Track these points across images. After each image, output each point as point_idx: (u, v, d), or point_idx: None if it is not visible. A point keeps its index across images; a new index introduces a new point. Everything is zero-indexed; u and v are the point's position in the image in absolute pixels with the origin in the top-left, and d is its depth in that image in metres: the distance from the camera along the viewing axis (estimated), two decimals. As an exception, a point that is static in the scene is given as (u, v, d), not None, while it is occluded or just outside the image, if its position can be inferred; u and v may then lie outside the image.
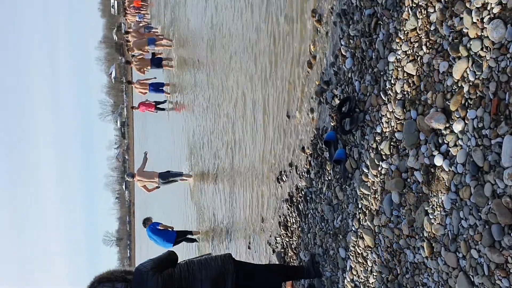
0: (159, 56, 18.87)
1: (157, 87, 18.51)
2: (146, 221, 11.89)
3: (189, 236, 12.39)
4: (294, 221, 5.69)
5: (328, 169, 4.71)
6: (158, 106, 19.35)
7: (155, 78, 19.35)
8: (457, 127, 2.86)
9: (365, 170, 3.93)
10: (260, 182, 7.21)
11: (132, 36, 19.02)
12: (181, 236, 12.07)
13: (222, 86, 10.03)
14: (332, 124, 4.61)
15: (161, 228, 11.75)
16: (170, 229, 11.93)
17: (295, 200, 5.65)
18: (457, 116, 2.87)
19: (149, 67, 17.58)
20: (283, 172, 6.14)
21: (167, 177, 13.30)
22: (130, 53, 19.77)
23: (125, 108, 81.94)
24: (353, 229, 4.16)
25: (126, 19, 30.19)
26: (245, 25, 8.32)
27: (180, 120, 16.64)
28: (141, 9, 30.41)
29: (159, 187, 13.37)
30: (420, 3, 3.27)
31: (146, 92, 18.28)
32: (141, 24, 23.63)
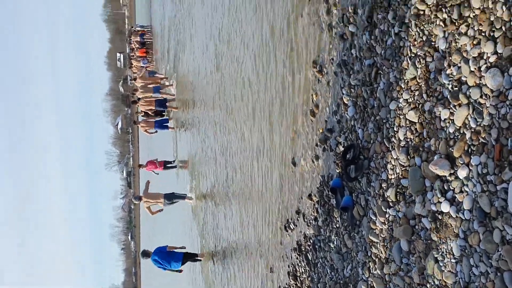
0: (163, 98, 19.73)
1: (161, 124, 19.11)
2: (146, 253, 11.88)
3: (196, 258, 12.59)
4: (303, 270, 5.61)
5: (336, 216, 4.70)
6: (167, 166, 18.77)
7: (163, 114, 19.72)
8: (462, 173, 2.88)
9: (373, 217, 3.92)
10: (267, 231, 7.15)
11: (139, 82, 19.92)
12: (189, 257, 12.09)
13: (226, 135, 10.14)
14: (337, 171, 4.64)
15: (169, 250, 11.79)
16: (178, 249, 12.09)
17: (303, 249, 5.59)
18: (461, 162, 2.90)
19: (153, 108, 18.59)
20: (290, 220, 6.11)
21: (172, 198, 13.99)
22: (136, 95, 20.47)
23: (131, 158, 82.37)
24: (364, 278, 4.10)
25: (132, 68, 31.02)
26: (249, 76, 8.51)
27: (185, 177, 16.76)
28: (146, 57, 31.29)
29: (162, 210, 13.98)
30: (418, 53, 3.36)
31: (152, 132, 18.86)
32: (145, 69, 24.79)
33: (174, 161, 19.27)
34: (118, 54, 78.59)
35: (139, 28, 37.59)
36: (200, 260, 12.69)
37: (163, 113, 19.80)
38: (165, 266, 11.56)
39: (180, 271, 12.04)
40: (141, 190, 15.68)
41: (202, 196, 13.36)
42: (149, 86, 19.41)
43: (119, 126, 79.57)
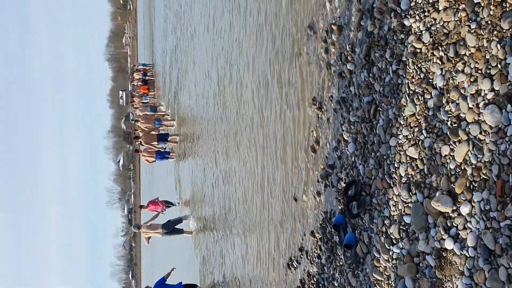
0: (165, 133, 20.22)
1: (163, 155, 19.22)
2: None
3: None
4: (307, 309, 5.50)
5: (339, 254, 4.64)
6: (168, 205, 18.20)
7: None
8: (465, 209, 2.86)
9: (377, 255, 3.87)
10: (271, 268, 7.05)
11: (141, 122, 20.47)
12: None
13: (226, 170, 10.15)
14: (339, 207, 4.61)
15: (167, 281, 12.17)
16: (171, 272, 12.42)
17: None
18: (463, 198, 2.89)
19: (156, 143, 18.88)
20: (293, 258, 6.04)
21: (169, 226, 14.12)
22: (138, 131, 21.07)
23: (132, 195, 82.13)
24: (369, 317, 4.02)
25: (133, 104, 31.42)
26: (249, 112, 8.59)
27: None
28: (148, 94, 31.68)
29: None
30: (416, 90, 3.41)
31: (153, 161, 18.91)
32: (146, 103, 25.47)
33: (178, 203, 18.48)
34: (120, 92, 79.56)
35: (141, 67, 38.21)
36: None
37: (164, 147, 20.00)
38: None
39: None
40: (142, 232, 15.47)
41: (203, 229, 13.24)
42: (150, 118, 20.15)
43: (121, 163, 79.73)
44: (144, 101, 29.51)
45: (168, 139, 19.13)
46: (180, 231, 14.44)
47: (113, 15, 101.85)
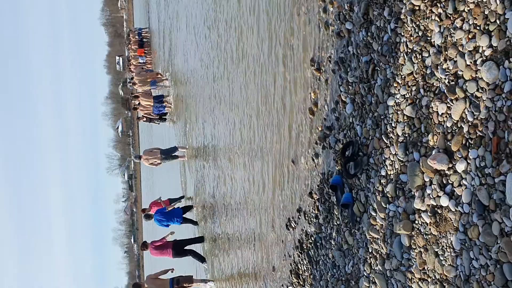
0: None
1: (160, 100, 19.82)
2: (148, 215, 13.75)
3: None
4: (305, 268, 5.63)
5: (336, 213, 4.71)
6: (174, 202, 17.03)
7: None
8: (460, 167, 2.89)
9: (373, 214, 3.93)
10: (269, 229, 7.17)
11: (136, 79, 21.21)
12: (186, 209, 13.53)
13: (226, 133, 10.17)
14: (337, 168, 4.65)
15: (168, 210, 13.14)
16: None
17: (305, 247, 5.61)
18: (459, 156, 2.91)
19: (151, 103, 19.51)
20: (291, 219, 6.13)
21: (167, 153, 15.44)
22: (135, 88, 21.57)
23: (132, 161, 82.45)
24: (365, 274, 4.11)
25: (130, 69, 31.34)
26: (246, 78, 8.53)
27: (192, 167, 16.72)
28: (145, 56, 31.53)
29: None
30: (414, 49, 3.38)
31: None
32: (143, 65, 25.88)
33: (181, 197, 17.35)
34: (117, 57, 78.74)
35: (137, 27, 37.95)
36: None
37: (164, 116, 20.13)
38: (168, 223, 12.61)
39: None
40: (143, 198, 15.65)
41: (203, 200, 13.38)
42: (147, 80, 20.61)
43: (120, 129, 79.69)
44: (140, 61, 29.43)
45: (164, 100, 19.87)
46: (176, 157, 15.75)
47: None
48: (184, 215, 13.05)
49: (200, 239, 12.78)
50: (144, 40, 33.30)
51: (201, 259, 12.54)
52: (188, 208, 13.74)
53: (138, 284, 12.14)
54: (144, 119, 20.79)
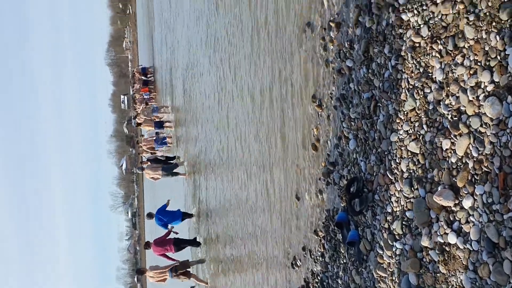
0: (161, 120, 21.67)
1: (161, 142, 20.40)
2: (150, 214, 13.66)
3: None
4: (312, 308, 5.48)
5: (343, 251, 4.62)
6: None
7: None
8: (467, 203, 2.84)
9: (380, 251, 3.85)
10: (274, 268, 7.03)
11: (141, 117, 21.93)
12: (187, 216, 13.84)
13: (229, 175, 10.13)
14: (342, 204, 4.59)
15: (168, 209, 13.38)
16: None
17: (311, 286, 5.48)
18: (466, 192, 2.86)
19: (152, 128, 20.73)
20: (297, 257, 6.01)
21: (168, 169, 16.09)
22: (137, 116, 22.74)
23: (135, 199, 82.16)
24: (374, 314, 3.99)
25: (135, 107, 31.85)
26: (250, 115, 8.58)
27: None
28: (149, 92, 32.02)
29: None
30: (416, 85, 3.39)
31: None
32: (146, 101, 27.42)
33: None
34: (122, 96, 79.68)
35: (141, 65, 38.79)
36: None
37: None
38: (168, 222, 12.95)
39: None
40: (146, 234, 15.74)
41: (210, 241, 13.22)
42: (150, 120, 21.43)
43: (124, 167, 79.74)
44: (145, 97, 29.90)
45: (164, 126, 20.78)
46: (176, 174, 16.20)
47: (113, 20, 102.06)
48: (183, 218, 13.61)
49: (197, 243, 13.37)
50: (149, 78, 33.81)
51: (197, 244, 13.37)
52: (188, 216, 14.13)
53: (141, 270, 13.57)
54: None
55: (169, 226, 12.89)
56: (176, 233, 13.03)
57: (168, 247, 12.43)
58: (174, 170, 16.42)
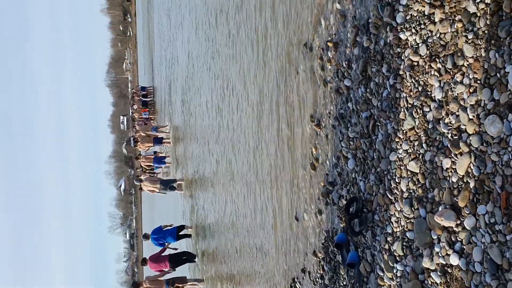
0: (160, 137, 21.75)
1: (160, 160, 20.46)
2: (145, 235, 13.98)
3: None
4: (311, 332, 5.35)
5: (342, 273, 4.53)
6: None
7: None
8: (469, 223, 2.78)
9: (380, 273, 3.77)
10: (273, 291, 6.91)
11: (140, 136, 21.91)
12: (181, 229, 13.96)
13: (227, 193, 10.06)
14: (341, 225, 4.52)
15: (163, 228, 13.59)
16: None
17: (310, 309, 5.36)
18: (467, 212, 2.81)
19: (151, 145, 20.70)
20: (296, 279, 5.91)
21: (166, 183, 16.38)
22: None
23: (134, 220, 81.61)
24: (375, 339, 3.89)
25: (134, 126, 31.90)
26: (248, 135, 8.55)
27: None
28: (148, 111, 32.07)
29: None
30: (415, 103, 3.36)
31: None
32: (146, 120, 27.55)
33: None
34: (121, 117, 79.84)
35: (141, 86, 39.00)
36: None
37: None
38: (164, 241, 13.17)
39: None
40: (145, 253, 15.64)
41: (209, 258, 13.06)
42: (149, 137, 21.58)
43: (122, 187, 79.46)
44: (144, 116, 29.96)
45: (164, 141, 20.84)
46: (173, 188, 16.40)
47: (113, 42, 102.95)
48: (179, 233, 13.75)
49: (193, 257, 13.35)
50: (148, 99, 33.91)
51: (193, 256, 13.36)
52: (181, 228, 14.26)
53: (137, 282, 13.35)
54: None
55: (166, 243, 13.13)
56: (176, 249, 13.22)
57: (163, 264, 12.49)
58: (172, 184, 16.70)
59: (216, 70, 11.68)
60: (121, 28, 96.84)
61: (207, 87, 12.98)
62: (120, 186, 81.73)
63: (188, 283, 12.75)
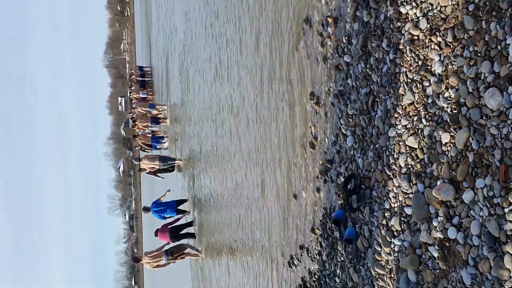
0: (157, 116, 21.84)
1: (158, 140, 20.39)
2: (146, 208, 14.09)
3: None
4: (309, 308, 5.41)
5: (340, 249, 4.56)
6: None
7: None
8: (467, 197, 2.78)
9: (378, 248, 3.79)
10: (271, 267, 6.96)
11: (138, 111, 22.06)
12: (180, 202, 14.24)
13: (225, 171, 10.07)
14: (339, 202, 4.53)
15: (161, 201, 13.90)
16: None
17: (309, 285, 5.41)
18: (466, 186, 2.80)
19: (149, 124, 20.77)
20: (294, 256, 5.94)
21: (165, 160, 16.31)
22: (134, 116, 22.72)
23: (133, 201, 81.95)
24: (372, 313, 3.93)
25: (131, 99, 31.89)
26: (248, 113, 8.52)
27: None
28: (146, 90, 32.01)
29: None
30: (415, 78, 3.33)
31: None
32: (143, 100, 27.40)
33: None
34: (119, 98, 79.50)
35: (138, 71, 38.62)
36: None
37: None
38: (164, 214, 13.49)
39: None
40: (144, 235, 15.75)
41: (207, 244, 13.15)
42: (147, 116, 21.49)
43: (121, 169, 79.59)
44: (141, 95, 29.85)
45: (160, 121, 20.91)
46: (173, 166, 16.56)
47: (111, 22, 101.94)
48: (178, 207, 13.97)
49: (192, 234, 13.62)
50: (146, 79, 33.73)
51: (193, 236, 13.61)
52: (182, 201, 14.47)
53: (137, 258, 13.47)
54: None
55: (166, 216, 13.50)
56: (178, 219, 13.61)
57: (166, 236, 12.78)
58: (172, 163, 16.72)
59: (214, 43, 11.58)
60: (119, 8, 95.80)
61: (207, 61, 12.90)
62: (119, 167, 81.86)
63: (186, 250, 12.98)
